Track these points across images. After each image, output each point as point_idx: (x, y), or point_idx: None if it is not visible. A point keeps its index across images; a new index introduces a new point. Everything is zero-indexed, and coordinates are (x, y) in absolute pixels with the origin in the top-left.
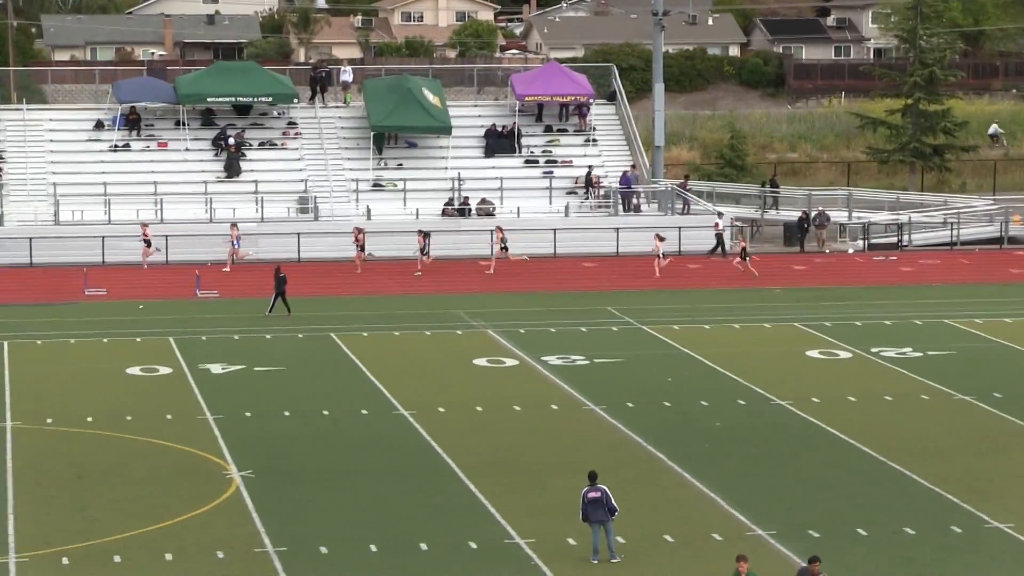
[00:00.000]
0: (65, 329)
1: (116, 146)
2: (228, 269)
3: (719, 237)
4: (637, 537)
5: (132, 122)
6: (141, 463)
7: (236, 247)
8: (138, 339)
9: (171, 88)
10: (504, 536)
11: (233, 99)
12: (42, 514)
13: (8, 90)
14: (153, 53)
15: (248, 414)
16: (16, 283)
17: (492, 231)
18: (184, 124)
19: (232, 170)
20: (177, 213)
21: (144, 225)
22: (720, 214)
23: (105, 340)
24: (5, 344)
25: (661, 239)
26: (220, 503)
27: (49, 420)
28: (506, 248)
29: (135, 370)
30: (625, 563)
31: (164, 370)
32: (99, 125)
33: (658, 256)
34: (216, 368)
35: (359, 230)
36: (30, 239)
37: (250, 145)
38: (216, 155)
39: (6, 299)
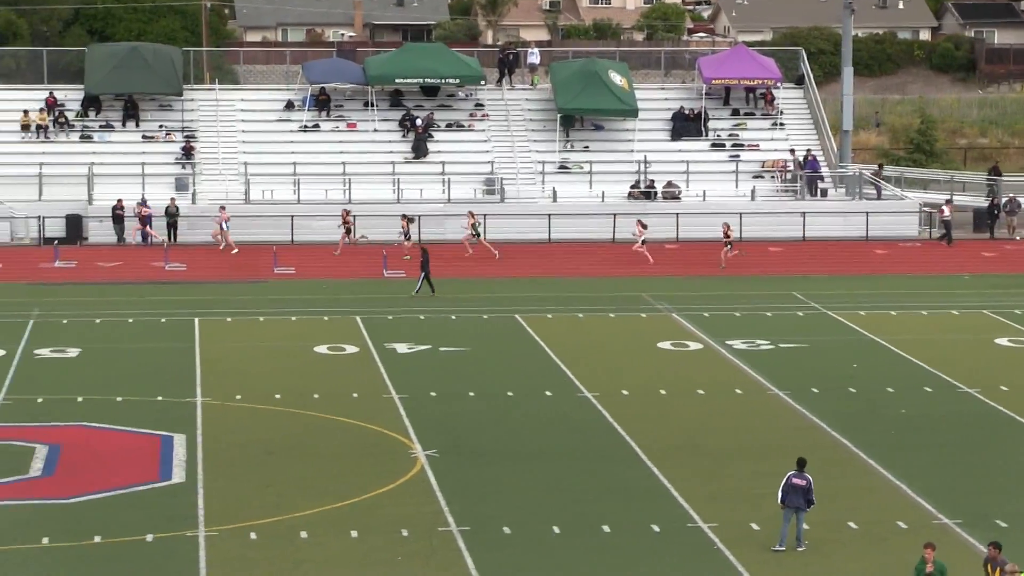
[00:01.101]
0: (254, 307)
1: (306, 126)
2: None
3: (946, 224)
4: (821, 524)
5: (322, 103)
6: (328, 441)
7: (225, 230)
8: (326, 318)
9: (360, 69)
10: (687, 520)
11: (421, 80)
12: (231, 489)
13: (201, 70)
14: (343, 34)
15: (433, 394)
16: (207, 261)
17: (465, 215)
18: (373, 105)
19: (419, 151)
20: (364, 193)
21: (346, 212)
22: (948, 200)
23: (293, 318)
24: (196, 321)
25: (644, 226)
26: (405, 482)
27: (238, 396)
28: (477, 235)
29: (322, 348)
30: (809, 550)
31: (351, 349)
32: (289, 105)
33: (639, 242)
34: (402, 348)
35: (347, 212)
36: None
37: (437, 126)
38: (403, 136)
39: (197, 277)
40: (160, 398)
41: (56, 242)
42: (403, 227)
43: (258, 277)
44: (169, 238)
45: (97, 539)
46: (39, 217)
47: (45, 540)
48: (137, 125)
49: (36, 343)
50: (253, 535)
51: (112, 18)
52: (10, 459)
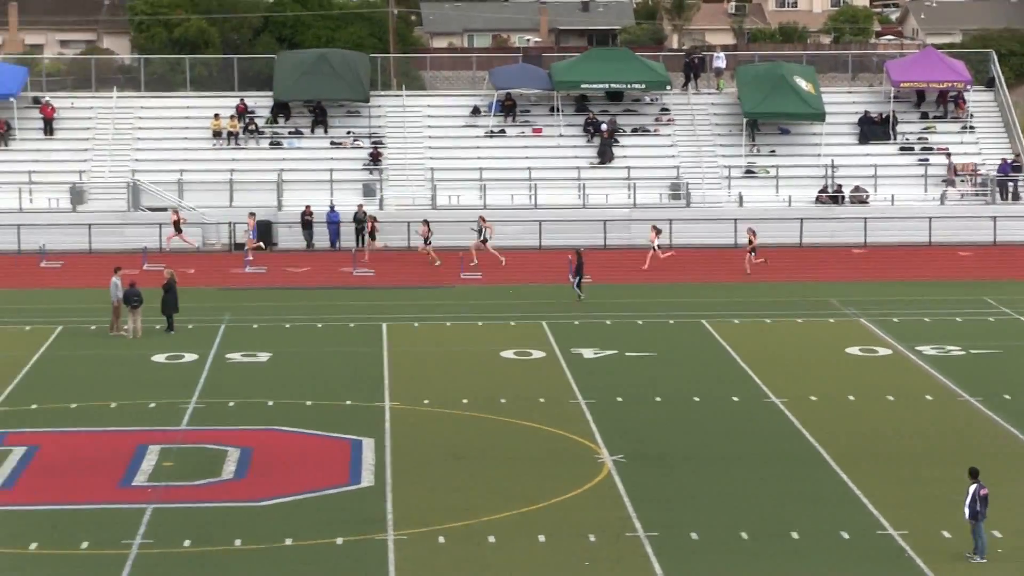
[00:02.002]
0: (441, 312)
1: (492, 132)
2: (250, 258)
3: None
4: (1010, 534)
5: (508, 108)
6: (515, 445)
7: (252, 237)
8: (512, 323)
9: (546, 75)
10: (876, 527)
11: (606, 86)
12: (419, 493)
13: (388, 77)
14: (529, 40)
15: (619, 399)
16: (394, 266)
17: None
18: (558, 110)
19: (605, 156)
20: (550, 198)
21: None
22: None
23: (480, 323)
24: (384, 326)
25: (658, 231)
26: (592, 487)
27: (426, 401)
28: (485, 240)
29: (509, 353)
30: (997, 561)
31: (537, 354)
32: (475, 111)
33: (654, 248)
34: (588, 352)
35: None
36: (408, 223)
37: (623, 131)
38: (589, 141)
39: (385, 282)
40: (349, 402)
41: (247, 248)
42: (423, 232)
43: (445, 282)
44: (357, 243)
45: (288, 542)
46: (230, 223)
47: (237, 542)
48: (325, 131)
49: (227, 347)
50: (441, 539)
51: (301, 26)
52: (203, 462)
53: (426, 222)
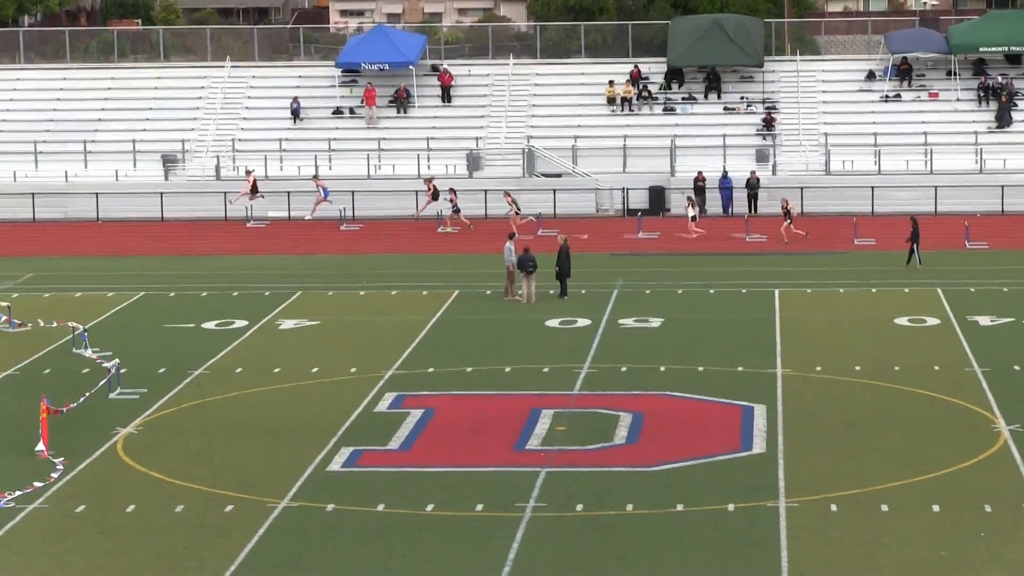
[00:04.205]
0: (834, 278)
1: (887, 96)
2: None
3: None
4: None
5: (903, 72)
6: (909, 413)
7: (325, 196)
8: (906, 290)
9: (943, 38)
10: None
11: (1006, 48)
12: (811, 461)
13: (783, 42)
14: (925, 3)
15: (1017, 367)
16: (787, 232)
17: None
18: (955, 74)
19: (1003, 120)
20: (946, 164)
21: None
22: None
23: (874, 290)
24: (776, 292)
25: (693, 203)
26: (987, 456)
27: (818, 368)
28: (519, 212)
29: (903, 320)
30: None
31: (932, 321)
32: (870, 76)
33: (688, 219)
34: (984, 320)
35: (452, 191)
36: (801, 188)
37: (1021, 95)
38: (986, 105)
39: (777, 248)
40: (740, 368)
41: (640, 213)
42: (451, 200)
43: (838, 248)
44: (749, 210)
45: (679, 507)
46: (623, 189)
47: (629, 507)
48: (719, 97)
49: (620, 313)
50: (833, 507)
51: None
52: (596, 427)
53: (452, 191)
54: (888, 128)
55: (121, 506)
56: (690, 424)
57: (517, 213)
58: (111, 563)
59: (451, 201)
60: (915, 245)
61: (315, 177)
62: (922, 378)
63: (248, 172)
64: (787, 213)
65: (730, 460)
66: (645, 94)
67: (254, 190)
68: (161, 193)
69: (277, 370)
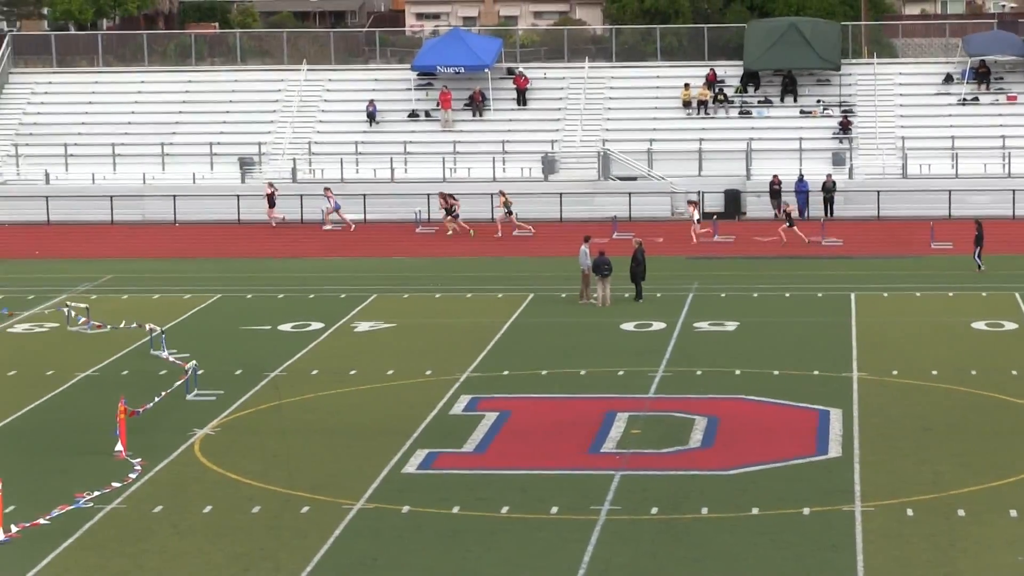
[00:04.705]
0: (911, 282)
1: (964, 99)
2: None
3: None
4: None
5: (981, 75)
6: (985, 418)
7: (336, 207)
8: (984, 294)
9: (1021, 41)
10: None
11: None
12: (888, 465)
13: (859, 44)
14: (1004, 5)
15: None
16: (863, 235)
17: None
18: None
19: None
20: (1021, 167)
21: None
22: None
23: (951, 294)
24: (852, 296)
25: (694, 204)
26: None
27: (894, 372)
28: (510, 212)
29: (980, 324)
30: None
31: (1009, 325)
32: (948, 79)
33: (692, 222)
34: None
35: (444, 195)
36: (878, 192)
37: None
38: None
39: (853, 251)
40: (816, 372)
41: (715, 216)
42: (443, 204)
43: (915, 252)
44: (825, 213)
45: (754, 511)
46: (699, 192)
47: (704, 510)
48: (795, 100)
49: (695, 316)
50: (909, 511)
51: None
52: (671, 430)
53: (443, 195)
54: (965, 131)
55: (198, 507)
56: (765, 428)
57: (509, 213)
58: (187, 564)
59: (445, 206)
60: (979, 249)
61: (327, 189)
62: (999, 382)
63: (269, 183)
64: (788, 216)
65: (806, 464)
66: (721, 97)
67: (271, 203)
68: (238, 195)
69: (353, 372)
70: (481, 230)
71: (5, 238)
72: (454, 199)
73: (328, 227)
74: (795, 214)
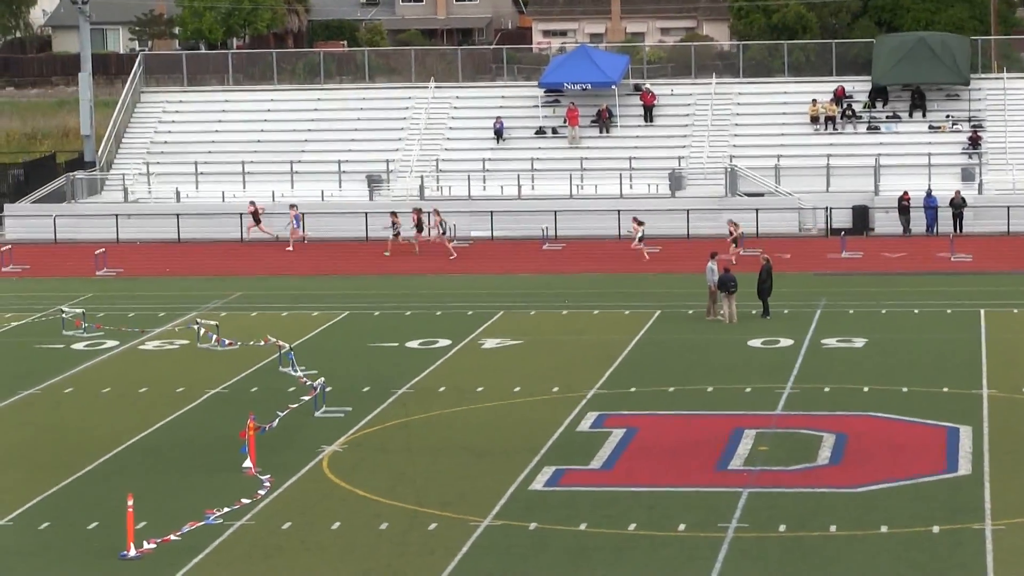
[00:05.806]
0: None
1: None
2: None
3: None
4: None
5: None
6: None
7: (296, 227)
8: None
9: None
10: None
11: None
12: (1018, 483)
13: (989, 59)
14: None
15: None
16: (993, 251)
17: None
18: None
19: None
20: None
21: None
22: None
23: None
24: (982, 312)
25: (640, 223)
26: None
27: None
28: (444, 232)
29: None
30: None
31: None
32: None
33: (635, 239)
34: None
35: (394, 214)
36: (1007, 208)
37: None
38: None
39: (983, 267)
40: (945, 389)
41: (843, 233)
42: (395, 222)
43: None
44: (954, 229)
45: (883, 529)
46: (826, 208)
47: (832, 528)
48: (924, 116)
49: (823, 333)
50: None
51: (900, 9)
52: (798, 447)
53: (394, 213)
54: None
55: (326, 523)
56: (894, 445)
57: (443, 233)
58: None
59: (402, 222)
60: None
61: (292, 207)
62: None
63: (251, 203)
64: (733, 235)
65: (935, 482)
66: (849, 112)
67: (256, 219)
68: (366, 213)
69: (480, 389)
70: (482, 248)
71: (137, 256)
72: (423, 214)
73: (290, 248)
74: (737, 232)
